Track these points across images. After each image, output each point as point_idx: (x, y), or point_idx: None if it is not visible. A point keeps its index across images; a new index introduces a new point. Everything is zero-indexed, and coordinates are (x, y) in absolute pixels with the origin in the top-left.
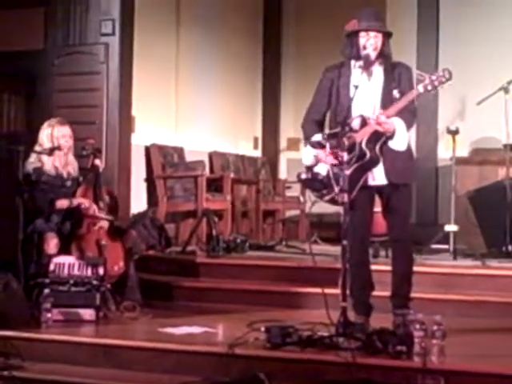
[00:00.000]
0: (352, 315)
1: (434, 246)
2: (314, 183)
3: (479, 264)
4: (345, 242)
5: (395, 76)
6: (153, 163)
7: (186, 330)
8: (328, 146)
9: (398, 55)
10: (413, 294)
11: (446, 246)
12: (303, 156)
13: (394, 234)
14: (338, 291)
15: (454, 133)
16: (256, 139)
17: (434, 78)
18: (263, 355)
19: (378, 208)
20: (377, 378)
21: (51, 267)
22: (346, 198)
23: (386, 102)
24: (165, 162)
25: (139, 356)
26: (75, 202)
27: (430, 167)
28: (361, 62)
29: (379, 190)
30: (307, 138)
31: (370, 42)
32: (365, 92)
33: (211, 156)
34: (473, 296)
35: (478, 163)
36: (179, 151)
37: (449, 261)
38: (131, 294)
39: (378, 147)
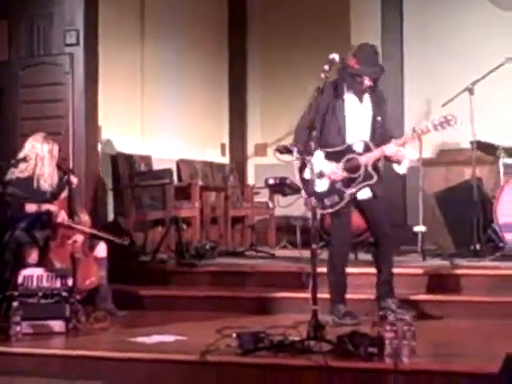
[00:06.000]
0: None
1: (403, 247)
2: (282, 188)
3: (448, 264)
4: (314, 246)
5: (379, 103)
6: (120, 172)
7: (157, 339)
8: (340, 164)
9: None
10: None
11: (414, 247)
12: (316, 164)
13: None
14: (308, 295)
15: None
16: (223, 146)
17: (442, 120)
18: (235, 361)
19: None
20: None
21: (20, 280)
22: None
23: (374, 126)
24: (132, 171)
25: (111, 366)
26: (44, 207)
27: None
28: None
29: None
30: (296, 141)
31: (368, 82)
32: (357, 116)
33: (179, 164)
34: (442, 296)
35: (445, 164)
36: (146, 160)
37: (418, 262)
38: (103, 304)
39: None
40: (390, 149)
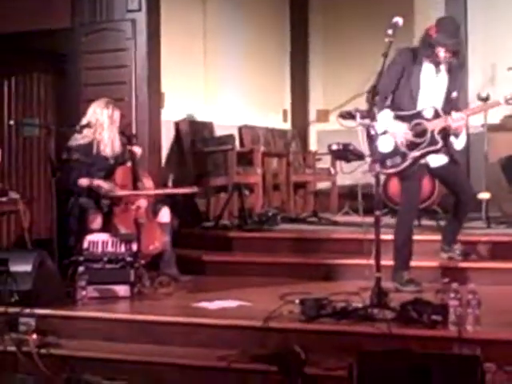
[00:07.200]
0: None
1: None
2: (345, 154)
3: None
4: (377, 213)
5: (454, 77)
6: (182, 138)
7: (220, 305)
8: (407, 125)
9: (425, 22)
10: (447, 263)
11: (478, 214)
12: (382, 122)
13: None
14: (370, 262)
15: (484, 99)
16: (285, 112)
17: None
18: (298, 328)
19: None
20: (413, 347)
21: (85, 245)
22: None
23: (448, 99)
24: (194, 137)
25: (175, 331)
26: (95, 183)
27: None
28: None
29: None
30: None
31: (445, 55)
32: (431, 85)
33: (241, 130)
34: (506, 263)
35: (510, 130)
36: (209, 126)
37: (482, 229)
38: (167, 269)
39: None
40: (456, 115)
